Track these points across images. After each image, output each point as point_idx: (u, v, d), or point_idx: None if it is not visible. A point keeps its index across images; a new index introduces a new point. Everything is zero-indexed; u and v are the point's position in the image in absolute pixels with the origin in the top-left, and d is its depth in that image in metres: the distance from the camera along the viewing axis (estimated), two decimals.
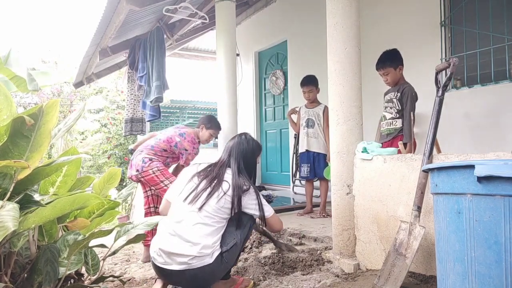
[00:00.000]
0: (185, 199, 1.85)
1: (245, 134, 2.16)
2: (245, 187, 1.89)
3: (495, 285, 1.14)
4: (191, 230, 1.78)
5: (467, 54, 3.35)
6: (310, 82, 3.77)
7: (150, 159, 2.81)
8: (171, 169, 3.09)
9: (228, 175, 1.93)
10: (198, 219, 1.79)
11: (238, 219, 1.90)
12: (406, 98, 2.64)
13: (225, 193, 1.84)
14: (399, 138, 2.66)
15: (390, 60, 2.74)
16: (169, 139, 2.94)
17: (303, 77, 3.85)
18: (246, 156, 2.03)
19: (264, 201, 1.99)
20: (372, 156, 2.11)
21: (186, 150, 2.96)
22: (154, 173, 2.77)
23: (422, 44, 3.60)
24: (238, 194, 1.86)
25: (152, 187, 2.85)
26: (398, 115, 2.70)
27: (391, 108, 2.75)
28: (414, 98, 2.68)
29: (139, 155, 2.86)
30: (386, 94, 2.87)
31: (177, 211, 1.87)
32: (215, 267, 1.77)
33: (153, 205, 2.97)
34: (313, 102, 3.80)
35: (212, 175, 1.92)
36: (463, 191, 1.22)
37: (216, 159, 2.09)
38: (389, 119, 2.77)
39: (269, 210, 2.00)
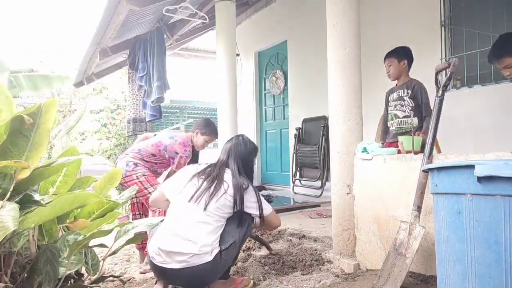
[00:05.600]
0: (190, 199, 1.87)
1: (242, 135, 2.20)
2: (244, 186, 1.93)
3: (495, 285, 1.14)
4: (191, 228, 1.80)
5: (467, 54, 3.34)
6: None
7: (135, 164, 2.63)
8: (162, 177, 2.91)
9: (228, 175, 1.97)
10: (199, 218, 1.82)
11: (240, 218, 1.93)
12: (420, 94, 2.59)
13: (225, 192, 1.88)
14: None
15: (396, 52, 2.72)
16: (158, 143, 2.76)
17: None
18: (244, 157, 2.07)
19: (263, 199, 2.02)
20: (372, 156, 2.11)
21: (177, 153, 2.75)
22: (138, 178, 2.59)
23: (422, 44, 3.60)
24: (240, 193, 1.90)
25: (135, 194, 2.58)
26: (413, 113, 2.61)
27: (402, 106, 2.67)
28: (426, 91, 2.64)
29: (124, 158, 2.68)
30: (390, 93, 2.82)
31: (179, 211, 1.89)
32: (214, 265, 1.80)
33: (139, 213, 2.82)
34: None
35: (213, 175, 1.95)
36: (463, 191, 1.22)
37: (215, 160, 2.11)
38: (402, 117, 2.68)
39: (268, 208, 2.04)
